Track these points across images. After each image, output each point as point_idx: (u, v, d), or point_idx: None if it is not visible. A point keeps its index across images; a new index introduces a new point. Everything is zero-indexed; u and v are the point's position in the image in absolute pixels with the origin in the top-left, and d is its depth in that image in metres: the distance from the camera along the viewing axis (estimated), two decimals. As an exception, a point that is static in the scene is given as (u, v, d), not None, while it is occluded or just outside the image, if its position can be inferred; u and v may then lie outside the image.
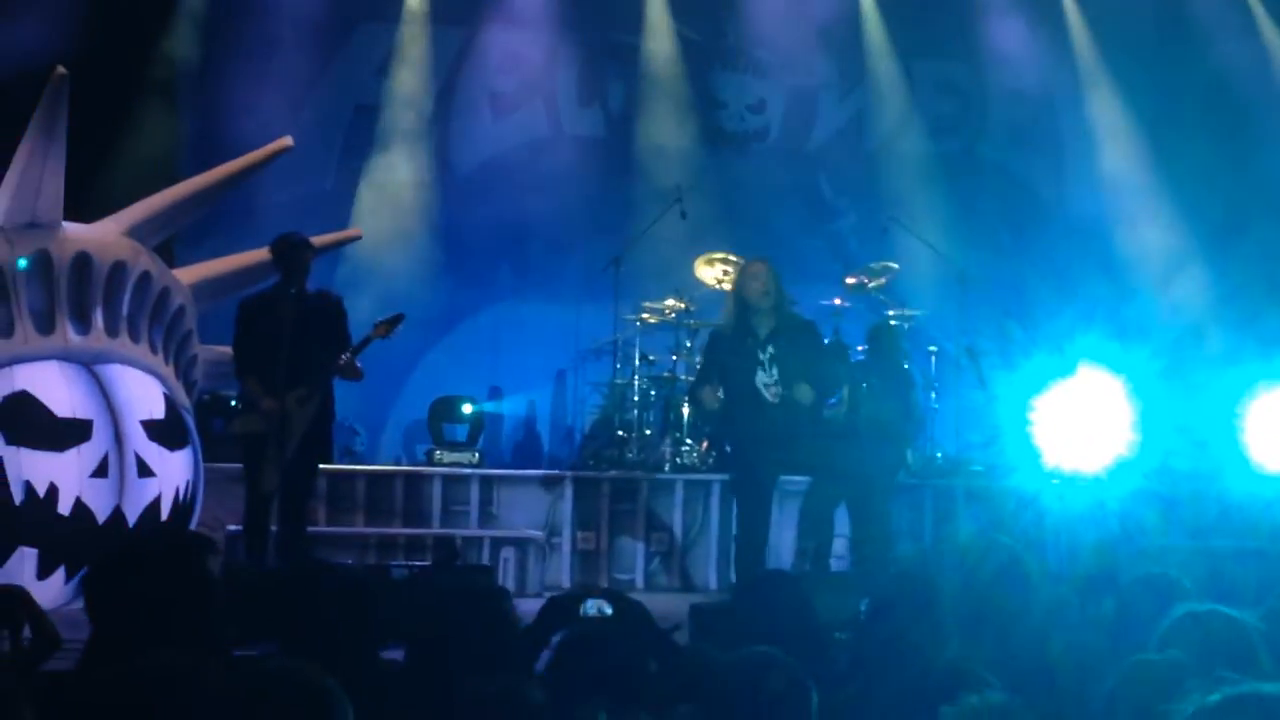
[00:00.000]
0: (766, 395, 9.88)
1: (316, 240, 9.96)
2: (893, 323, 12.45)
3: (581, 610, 5.10)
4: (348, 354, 9.39)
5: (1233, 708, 3.29)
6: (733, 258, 12.85)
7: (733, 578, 11.00)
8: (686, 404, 12.52)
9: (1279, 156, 14.22)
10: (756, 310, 9.95)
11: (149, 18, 13.52)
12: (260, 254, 9.82)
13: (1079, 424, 11.48)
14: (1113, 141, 14.73)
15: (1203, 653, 4.37)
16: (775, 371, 9.88)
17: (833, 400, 10.76)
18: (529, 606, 6.02)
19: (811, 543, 10.91)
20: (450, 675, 3.98)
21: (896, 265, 13.13)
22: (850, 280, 13.09)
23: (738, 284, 10.26)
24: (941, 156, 15.12)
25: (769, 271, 10.01)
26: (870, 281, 13.00)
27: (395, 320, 9.62)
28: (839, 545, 11.08)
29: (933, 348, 13.15)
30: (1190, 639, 4.50)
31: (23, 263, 8.86)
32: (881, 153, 15.12)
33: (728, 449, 10.84)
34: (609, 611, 5.18)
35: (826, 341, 10.84)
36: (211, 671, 3.45)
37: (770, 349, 9.93)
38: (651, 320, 12.98)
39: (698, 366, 11.10)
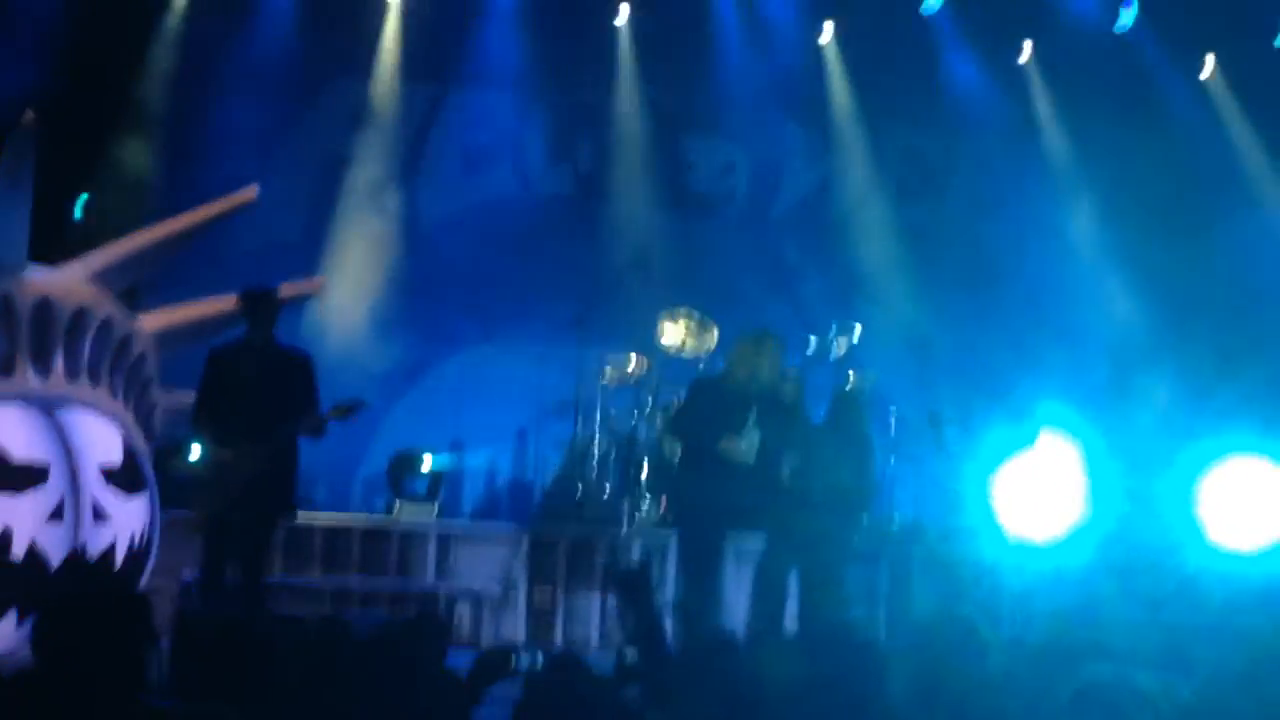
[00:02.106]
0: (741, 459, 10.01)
1: (282, 291, 9.97)
2: (855, 387, 12.48)
3: (515, 663, 5.10)
4: (314, 418, 9.36)
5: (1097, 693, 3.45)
6: (696, 315, 12.94)
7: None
8: (646, 463, 12.59)
9: (1234, 237, 14.41)
10: (755, 385, 10.04)
11: (122, 63, 13.57)
12: (225, 302, 9.82)
13: (1036, 493, 11.55)
14: (1072, 210, 14.87)
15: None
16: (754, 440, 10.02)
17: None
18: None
19: (764, 607, 10.90)
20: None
21: (859, 327, 13.21)
22: (812, 344, 13.15)
23: (750, 355, 10.31)
24: (906, 223, 15.23)
25: (779, 353, 10.17)
26: (832, 346, 13.07)
27: (354, 407, 9.60)
28: (791, 608, 11.08)
29: (893, 409, 13.20)
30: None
31: None
32: (847, 218, 15.23)
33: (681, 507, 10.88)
34: (540, 663, 5.19)
35: (787, 400, 10.86)
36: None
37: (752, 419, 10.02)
38: (614, 379, 13.00)
39: (678, 409, 11.14)
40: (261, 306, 9.45)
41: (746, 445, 10.04)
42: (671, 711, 4.39)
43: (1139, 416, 13.42)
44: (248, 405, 9.27)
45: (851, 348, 13.04)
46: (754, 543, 11.12)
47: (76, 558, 8.91)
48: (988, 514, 11.64)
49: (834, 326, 13.35)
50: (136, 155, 13.72)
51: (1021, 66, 15.34)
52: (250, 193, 10.29)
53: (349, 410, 9.53)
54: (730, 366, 10.56)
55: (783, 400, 10.45)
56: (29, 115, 8.87)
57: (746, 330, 10.68)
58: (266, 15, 14.00)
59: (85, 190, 12.88)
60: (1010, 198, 15.28)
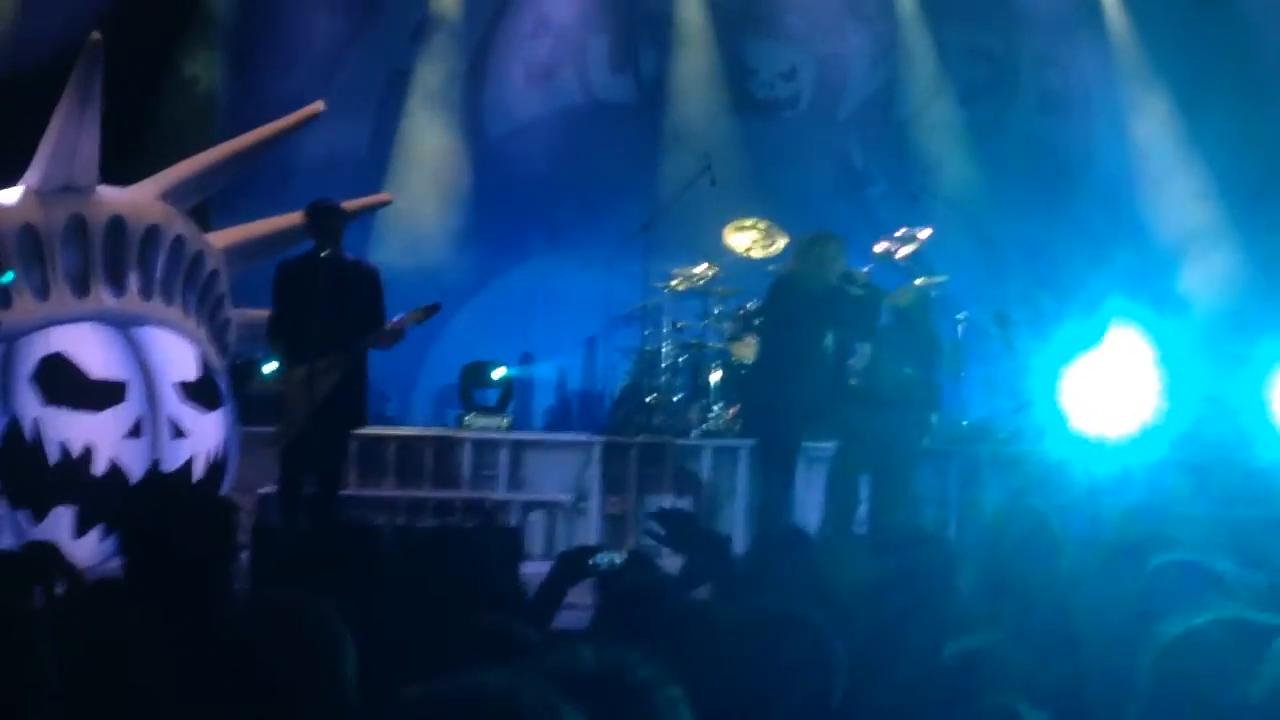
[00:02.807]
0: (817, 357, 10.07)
1: (348, 205, 10.04)
2: (921, 290, 12.44)
3: (593, 562, 5.16)
4: (387, 327, 9.41)
5: (1217, 630, 3.42)
6: (762, 224, 12.93)
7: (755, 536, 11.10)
8: (716, 369, 12.66)
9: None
10: (820, 284, 10.09)
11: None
12: (293, 218, 9.89)
13: (1107, 390, 11.51)
14: (1143, 107, 14.68)
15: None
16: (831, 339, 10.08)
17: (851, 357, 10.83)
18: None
19: (836, 508, 10.96)
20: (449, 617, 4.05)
21: (927, 232, 13.14)
22: (879, 247, 13.09)
23: (811, 255, 10.34)
24: (972, 123, 15.10)
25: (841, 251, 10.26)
26: (899, 249, 13.00)
27: (431, 309, 9.63)
28: (863, 512, 11.13)
29: (961, 315, 13.15)
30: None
31: (9, 276, 8.89)
32: (912, 120, 15.12)
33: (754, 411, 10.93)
34: (618, 563, 5.24)
35: (857, 291, 10.83)
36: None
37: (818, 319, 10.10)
38: (681, 287, 13.02)
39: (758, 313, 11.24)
40: (327, 221, 9.48)
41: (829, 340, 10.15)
42: (742, 605, 4.43)
43: (1211, 313, 13.35)
44: (318, 318, 9.32)
45: (920, 250, 12.95)
46: (824, 447, 11.16)
47: (156, 472, 9.09)
48: (1057, 412, 11.62)
49: (903, 229, 13.27)
50: (203, 70, 13.79)
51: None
52: (317, 107, 10.36)
53: (425, 314, 9.58)
54: (793, 267, 10.56)
55: (851, 290, 10.38)
56: (95, 36, 8.94)
57: (806, 232, 10.69)
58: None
59: (150, 110, 12.92)
60: (1078, 94, 15.11)
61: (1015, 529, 6.01)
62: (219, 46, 13.97)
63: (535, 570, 6.62)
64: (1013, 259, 13.72)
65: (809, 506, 11.32)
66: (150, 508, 4.64)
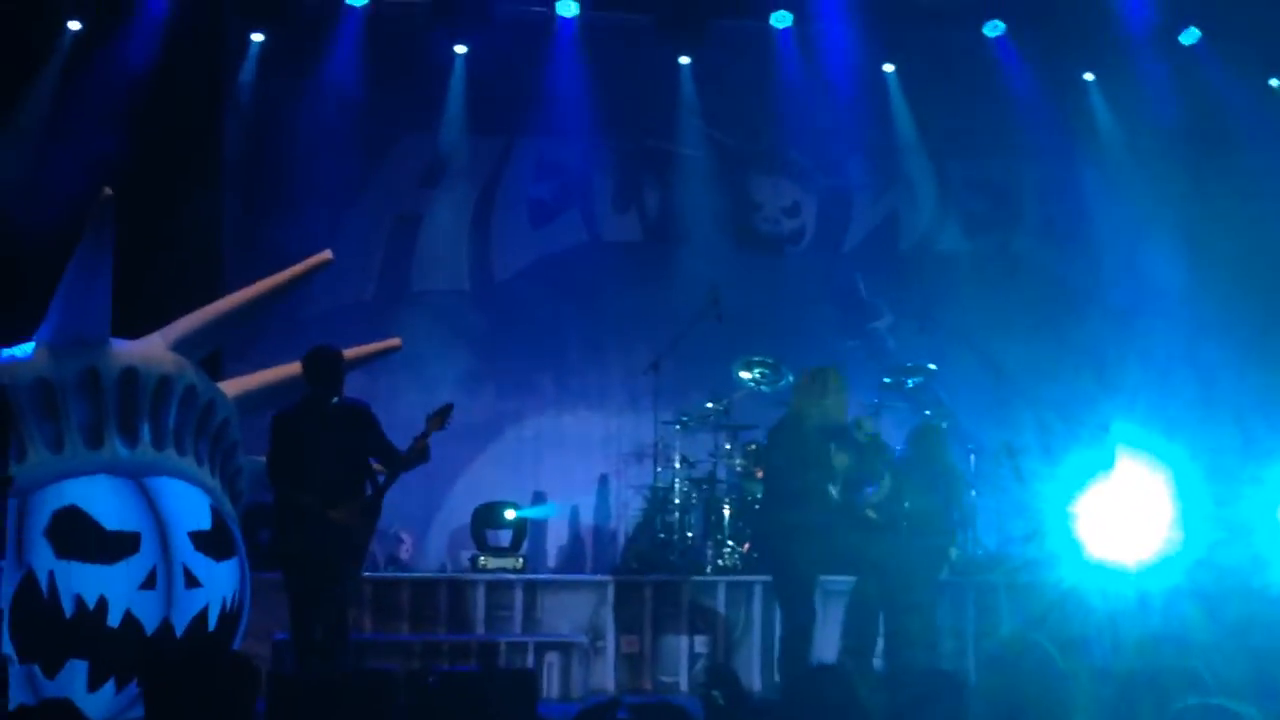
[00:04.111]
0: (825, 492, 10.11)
1: (355, 351, 10.14)
2: (934, 422, 12.48)
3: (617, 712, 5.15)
4: (412, 447, 9.47)
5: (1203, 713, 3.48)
6: (769, 359, 13.01)
7: (777, 678, 11.04)
8: (728, 504, 12.68)
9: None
10: (826, 421, 10.14)
11: (195, 127, 13.79)
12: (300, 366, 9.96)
13: (1121, 517, 11.50)
14: (1147, 233, 14.80)
15: None
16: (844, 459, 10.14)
17: (870, 489, 10.85)
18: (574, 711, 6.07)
19: (855, 641, 10.93)
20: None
21: (934, 366, 13.19)
22: (888, 380, 13.17)
23: (814, 391, 10.41)
24: (976, 253, 15.23)
25: (843, 386, 10.38)
26: (908, 381, 13.08)
27: (446, 411, 9.71)
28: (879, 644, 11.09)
29: (972, 447, 13.17)
30: None
31: None
32: (916, 251, 15.24)
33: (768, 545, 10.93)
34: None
35: (862, 439, 10.91)
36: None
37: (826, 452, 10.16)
38: (691, 423, 13.08)
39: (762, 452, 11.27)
40: (328, 368, 9.59)
41: (840, 461, 10.18)
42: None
43: (1225, 439, 13.35)
44: (332, 466, 9.41)
45: (927, 383, 13.02)
46: (841, 580, 11.14)
47: (170, 624, 9.07)
48: (1070, 540, 11.61)
49: (908, 364, 13.33)
50: (213, 216, 13.94)
51: (1086, 89, 15.32)
52: (325, 256, 10.44)
53: (442, 418, 9.64)
54: (796, 404, 10.62)
55: (855, 436, 10.50)
56: (107, 191, 9.05)
57: (808, 368, 10.76)
58: (334, 73, 14.18)
59: (164, 255, 13.08)
60: (1081, 223, 15.23)
61: (1021, 662, 6.01)
62: (229, 191, 14.13)
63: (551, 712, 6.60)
64: (1022, 387, 13.75)
65: (827, 640, 11.29)
66: (174, 665, 4.65)
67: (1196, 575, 11.71)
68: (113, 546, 9.04)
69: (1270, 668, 7.91)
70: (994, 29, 14.98)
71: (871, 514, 10.99)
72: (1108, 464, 11.78)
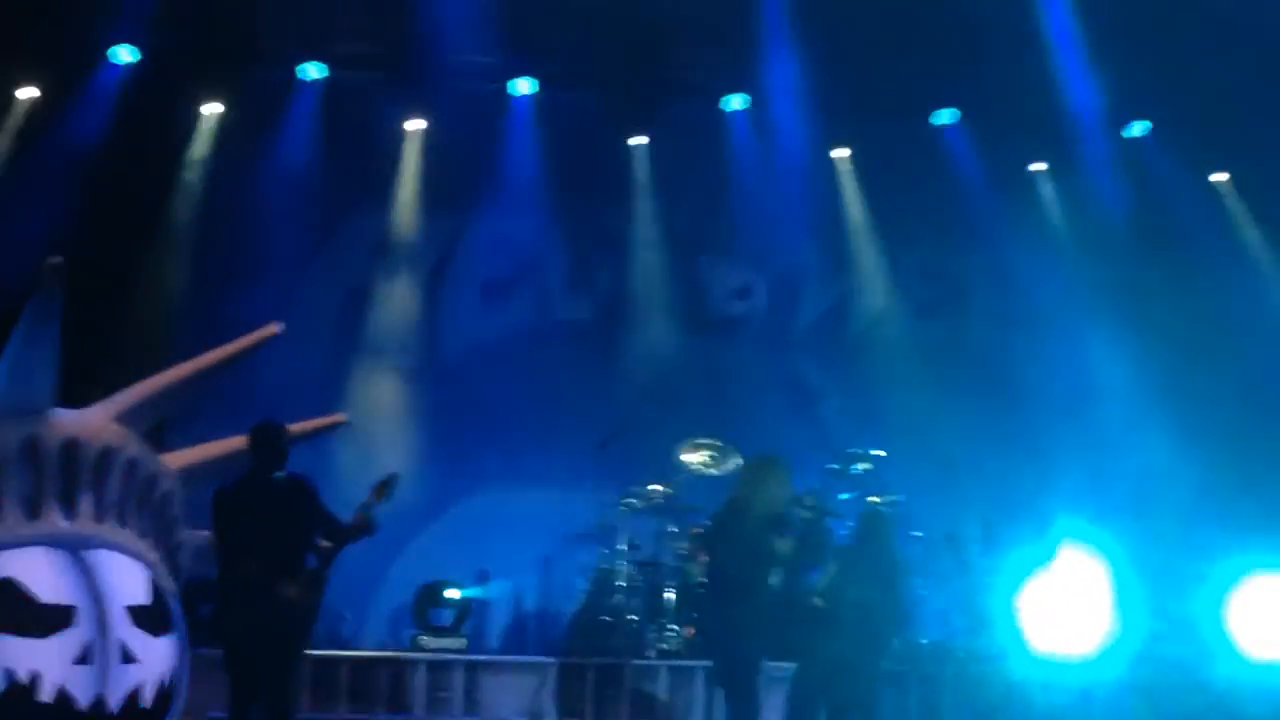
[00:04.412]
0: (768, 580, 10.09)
1: (301, 426, 10.07)
2: (880, 509, 12.48)
3: None
4: (356, 518, 9.42)
5: None
6: (716, 443, 13.00)
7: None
8: (671, 589, 12.62)
9: (1256, 350, 14.44)
10: (769, 510, 10.13)
11: (146, 200, 13.76)
12: (245, 440, 9.90)
13: (1063, 610, 11.52)
14: (1092, 323, 14.92)
15: None
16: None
17: (815, 575, 10.84)
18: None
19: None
20: None
21: (882, 453, 13.20)
22: (835, 466, 13.18)
23: (757, 480, 10.41)
24: (925, 340, 15.30)
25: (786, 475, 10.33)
26: (854, 467, 13.08)
27: (390, 482, 9.68)
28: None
29: (918, 533, 13.17)
30: None
31: None
32: (866, 336, 15.30)
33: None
34: None
35: (806, 514, 10.93)
36: None
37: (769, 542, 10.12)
38: (637, 505, 13.05)
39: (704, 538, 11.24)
40: (269, 442, 9.55)
41: (784, 546, 10.17)
42: None
43: (1164, 532, 13.41)
44: (267, 538, 9.37)
45: (874, 470, 13.03)
46: (783, 669, 11.08)
47: (104, 701, 8.93)
48: (1015, 632, 11.62)
49: (855, 449, 13.34)
50: (162, 286, 13.88)
51: (1035, 179, 15.47)
52: (274, 328, 10.36)
53: (385, 489, 9.60)
54: (739, 492, 10.62)
55: (800, 514, 10.48)
56: (55, 260, 8.98)
57: (752, 456, 10.78)
58: (288, 146, 14.19)
59: (111, 324, 13.00)
60: (1030, 312, 15.33)
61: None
62: (180, 262, 14.07)
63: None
64: (968, 476, 13.78)
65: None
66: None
67: (1139, 668, 11.74)
68: (47, 620, 8.88)
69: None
70: (946, 118, 15.11)
71: (817, 601, 10.97)
72: (1049, 557, 11.82)
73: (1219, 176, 15.55)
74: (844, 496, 12.99)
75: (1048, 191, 15.53)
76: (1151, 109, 15.06)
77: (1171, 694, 11.77)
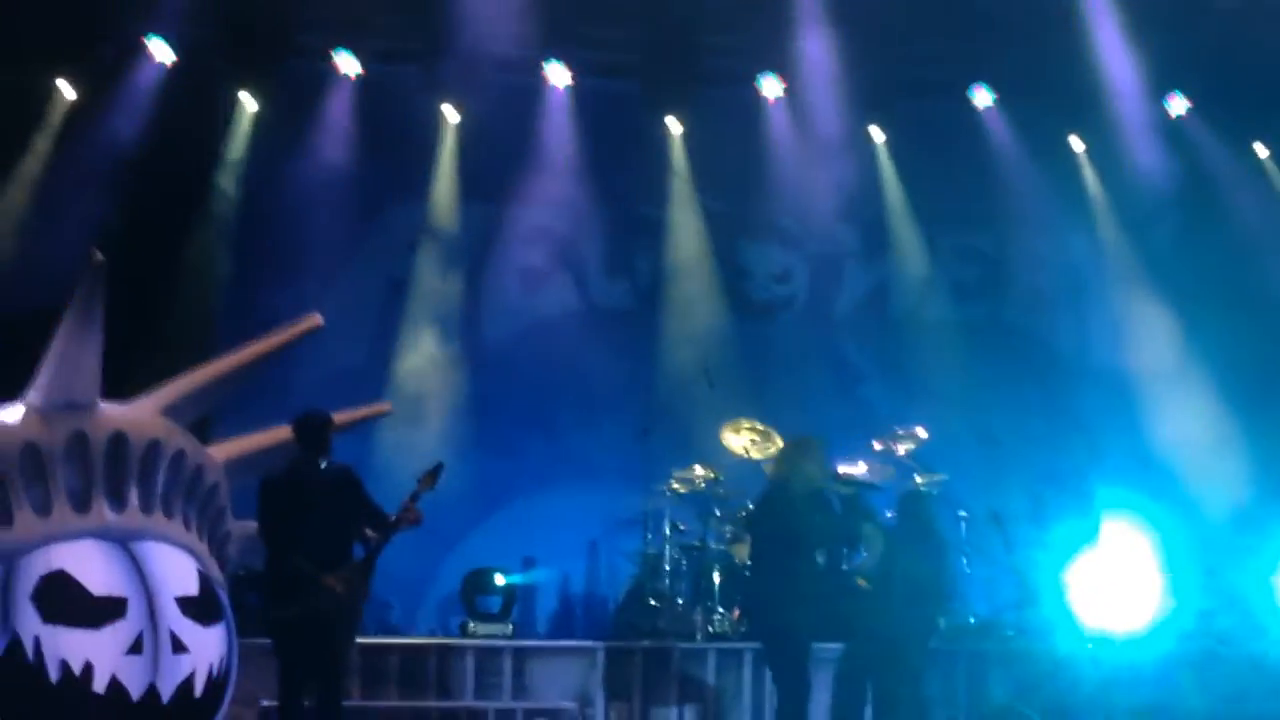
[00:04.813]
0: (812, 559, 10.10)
1: (345, 416, 10.12)
2: (923, 489, 12.46)
3: None
4: (403, 510, 9.46)
5: None
6: (759, 425, 13.00)
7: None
8: (718, 571, 12.63)
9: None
10: (807, 489, 10.13)
11: (188, 193, 13.85)
12: (289, 431, 9.96)
13: (1112, 585, 11.47)
14: (1136, 307, 14.86)
15: None
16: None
17: (861, 555, 10.86)
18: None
19: (843, 711, 10.86)
20: None
21: (924, 433, 13.17)
22: (878, 445, 13.15)
23: (794, 459, 10.44)
24: (966, 321, 15.28)
25: (823, 454, 10.37)
26: (898, 447, 13.05)
27: (436, 471, 9.73)
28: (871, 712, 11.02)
29: (963, 512, 13.15)
30: None
31: None
32: (906, 319, 15.28)
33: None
34: None
35: (845, 491, 10.96)
36: None
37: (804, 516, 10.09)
38: (681, 489, 13.06)
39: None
40: (316, 432, 9.60)
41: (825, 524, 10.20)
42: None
43: (1213, 505, 13.36)
44: (324, 530, 9.42)
45: (919, 447, 13.00)
46: (830, 649, 11.08)
47: (157, 690, 9.00)
48: (1062, 608, 11.58)
49: (901, 427, 13.32)
50: (206, 279, 13.96)
51: (1074, 156, 15.41)
52: (315, 320, 10.42)
53: (432, 479, 9.66)
54: (778, 473, 10.64)
55: (840, 490, 10.50)
56: (98, 256, 9.05)
57: (790, 437, 10.81)
58: (327, 139, 14.25)
59: (151, 325, 13.09)
60: (1070, 292, 15.28)
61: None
62: (221, 256, 14.15)
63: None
64: (1011, 454, 13.75)
65: (817, 708, 11.21)
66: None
67: (1189, 644, 11.69)
68: (99, 611, 8.97)
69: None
70: (982, 98, 15.07)
71: (863, 583, 10.98)
72: (1097, 532, 11.77)
73: (1260, 148, 15.45)
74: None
75: (1086, 168, 15.46)
76: (1190, 82, 14.97)
77: (1221, 669, 11.71)
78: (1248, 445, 13.97)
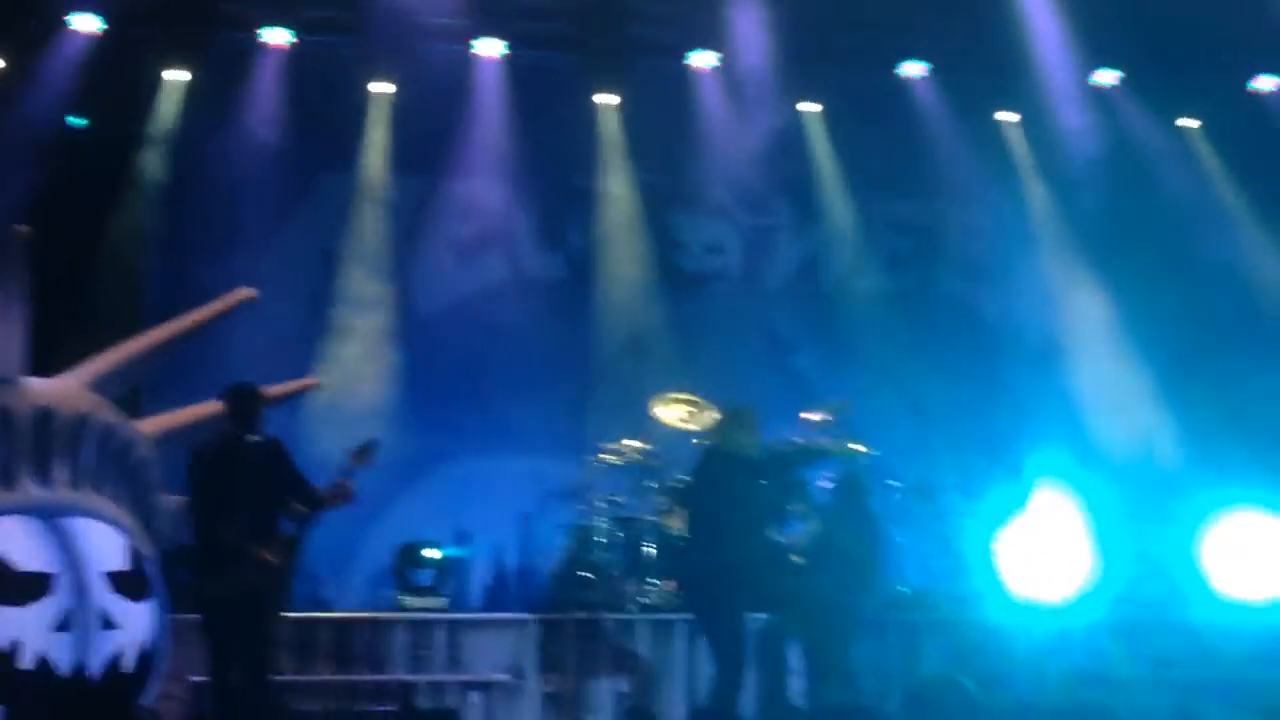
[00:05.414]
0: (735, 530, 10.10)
1: (276, 389, 10.07)
2: (857, 472, 12.45)
3: None
4: (335, 485, 9.43)
5: None
6: (691, 397, 13.03)
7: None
8: (651, 543, 12.66)
9: (1227, 290, 14.51)
10: (741, 458, 10.15)
11: (115, 165, 13.72)
12: (218, 404, 9.90)
13: (1041, 554, 11.58)
14: (1065, 270, 14.96)
15: None
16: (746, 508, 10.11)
17: (797, 527, 10.91)
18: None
19: (768, 680, 10.92)
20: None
21: (849, 401, 13.23)
22: (807, 416, 13.18)
23: (730, 429, 10.47)
24: (898, 292, 15.34)
25: (756, 421, 10.34)
26: (827, 417, 13.09)
27: (368, 447, 9.70)
28: (801, 682, 11.08)
29: (894, 482, 13.21)
30: None
31: None
32: (838, 289, 15.33)
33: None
34: None
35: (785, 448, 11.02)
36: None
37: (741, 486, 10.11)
38: (614, 461, 13.06)
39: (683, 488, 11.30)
40: (243, 404, 9.56)
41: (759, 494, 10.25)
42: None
43: (1144, 474, 13.48)
44: (242, 502, 9.38)
45: (846, 419, 13.04)
46: (760, 620, 11.12)
47: (85, 667, 8.94)
48: (993, 577, 11.68)
49: (827, 400, 13.37)
50: (132, 252, 13.85)
51: (1005, 129, 15.48)
52: (247, 292, 10.36)
53: (364, 454, 9.62)
54: (712, 442, 10.68)
55: (769, 469, 10.52)
56: (23, 228, 8.96)
57: (726, 407, 10.84)
58: (257, 111, 14.16)
59: (82, 291, 13.00)
60: (1001, 262, 15.37)
61: (945, 700, 6.03)
62: (149, 229, 14.04)
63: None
64: (942, 425, 13.84)
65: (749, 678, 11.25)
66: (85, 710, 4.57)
67: (1117, 611, 11.81)
68: (25, 588, 8.89)
69: (1194, 700, 7.98)
70: (913, 70, 15.12)
71: (797, 559, 11.06)
72: (1026, 502, 11.87)
73: (1187, 121, 15.58)
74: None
75: (1017, 141, 15.54)
76: (1119, 55, 15.06)
77: (1149, 635, 11.84)
78: (1175, 412, 14.10)
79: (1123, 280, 14.77)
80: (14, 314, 9.00)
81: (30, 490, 9.09)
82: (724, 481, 10.33)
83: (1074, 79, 14.98)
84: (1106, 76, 15.25)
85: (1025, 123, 15.46)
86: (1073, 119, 15.04)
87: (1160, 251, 14.78)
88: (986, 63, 14.86)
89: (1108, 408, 14.22)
